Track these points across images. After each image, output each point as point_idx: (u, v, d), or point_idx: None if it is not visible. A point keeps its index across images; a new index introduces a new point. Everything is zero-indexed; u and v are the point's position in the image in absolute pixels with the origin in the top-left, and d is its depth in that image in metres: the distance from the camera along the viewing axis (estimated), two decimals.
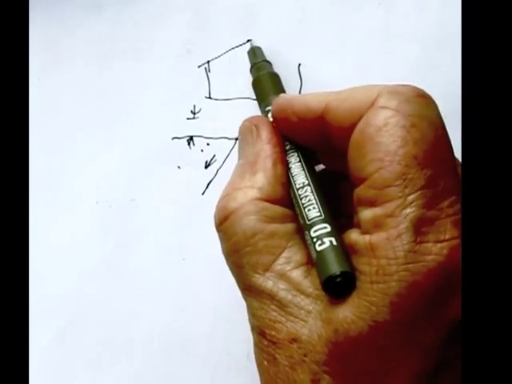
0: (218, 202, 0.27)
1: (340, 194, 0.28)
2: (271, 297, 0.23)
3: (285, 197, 0.26)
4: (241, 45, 0.39)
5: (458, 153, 0.24)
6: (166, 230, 0.38)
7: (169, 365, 0.36)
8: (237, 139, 0.38)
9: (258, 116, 0.29)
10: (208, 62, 0.40)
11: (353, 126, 0.23)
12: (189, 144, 0.39)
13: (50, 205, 0.39)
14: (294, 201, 0.25)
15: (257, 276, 0.24)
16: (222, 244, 0.26)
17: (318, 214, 0.24)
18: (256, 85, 0.33)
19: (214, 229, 0.37)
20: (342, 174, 0.26)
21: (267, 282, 0.24)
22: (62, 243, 0.38)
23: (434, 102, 0.24)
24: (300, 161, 0.26)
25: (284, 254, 0.24)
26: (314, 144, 0.27)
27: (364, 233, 0.22)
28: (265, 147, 0.26)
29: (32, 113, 0.40)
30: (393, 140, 0.22)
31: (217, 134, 0.38)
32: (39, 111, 0.40)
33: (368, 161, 0.22)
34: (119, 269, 0.37)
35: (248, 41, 0.39)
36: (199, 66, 0.40)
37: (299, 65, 0.38)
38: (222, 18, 0.40)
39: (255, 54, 0.36)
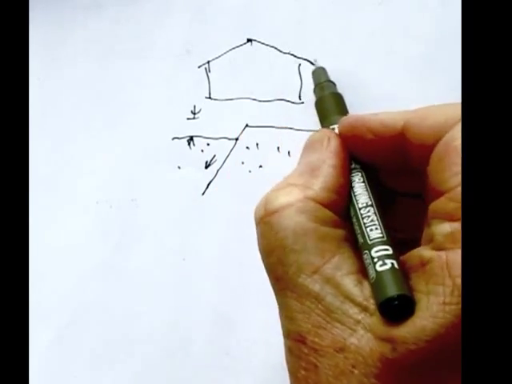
0: (268, 193, 0.25)
1: (394, 211, 0.28)
2: (317, 300, 0.22)
3: (339, 206, 0.25)
4: (241, 45, 0.39)
5: None
6: (166, 230, 0.38)
7: (169, 365, 0.36)
8: (237, 139, 0.38)
9: (330, 130, 0.29)
10: (208, 62, 0.40)
11: (436, 143, 0.23)
12: (189, 144, 0.39)
13: (49, 205, 0.39)
14: (355, 219, 0.25)
15: (303, 277, 0.23)
16: (262, 237, 0.25)
17: (380, 235, 0.23)
18: (319, 104, 0.33)
19: (214, 229, 0.37)
20: (398, 191, 0.26)
21: (314, 284, 0.23)
22: (62, 243, 0.38)
23: None
24: (364, 181, 0.26)
25: (334, 260, 0.23)
26: (383, 162, 0.27)
27: (437, 248, 0.22)
28: (332, 156, 0.26)
29: (32, 113, 0.40)
30: None
31: (217, 134, 0.38)
32: (39, 111, 0.41)
33: (451, 174, 0.22)
34: (119, 269, 0.37)
35: (249, 40, 0.39)
36: (199, 66, 0.40)
37: (299, 65, 0.38)
38: (222, 18, 0.40)
39: (319, 74, 0.36)
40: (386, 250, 0.23)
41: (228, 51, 0.39)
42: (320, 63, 0.37)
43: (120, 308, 0.37)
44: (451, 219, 0.22)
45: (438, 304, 0.20)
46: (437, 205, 0.22)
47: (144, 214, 0.38)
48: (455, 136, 0.23)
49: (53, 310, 0.37)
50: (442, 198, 0.22)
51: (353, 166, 0.27)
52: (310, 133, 0.36)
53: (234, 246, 0.36)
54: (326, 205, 0.25)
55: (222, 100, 0.39)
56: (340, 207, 0.25)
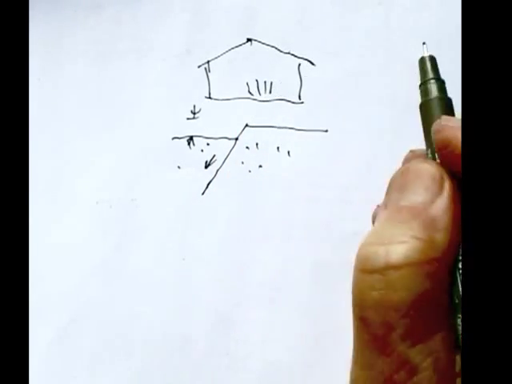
0: (389, 242, 0.22)
1: None
2: (413, 373, 0.21)
3: (452, 266, 0.23)
4: (241, 45, 0.39)
5: None
6: (165, 229, 0.38)
7: (169, 365, 0.36)
8: (237, 139, 0.38)
9: (439, 166, 0.24)
10: (208, 62, 0.40)
11: None
12: (189, 144, 0.39)
13: (49, 205, 0.39)
14: (457, 274, 0.22)
15: (407, 343, 0.21)
16: (372, 289, 0.22)
17: None
18: (424, 111, 0.28)
19: (214, 229, 0.37)
20: None
21: (417, 355, 0.21)
22: (62, 243, 0.38)
23: None
24: None
25: (442, 332, 0.21)
26: None
27: None
28: (451, 208, 0.23)
29: (32, 113, 0.40)
30: None
31: (217, 134, 0.38)
32: (39, 111, 0.41)
33: None
34: (119, 269, 0.37)
35: (248, 40, 0.39)
36: (199, 66, 0.40)
37: (299, 65, 0.38)
38: (222, 18, 0.40)
39: (427, 66, 0.29)
40: None
41: (228, 51, 0.39)
42: (428, 50, 0.29)
43: (120, 308, 0.37)
44: None
45: None
46: None
47: (144, 213, 0.38)
48: None
49: (53, 309, 0.37)
50: None
51: None
52: (312, 133, 0.36)
53: (233, 245, 0.36)
54: (449, 266, 0.22)
55: (222, 100, 0.39)
56: (452, 267, 0.23)
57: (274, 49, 0.39)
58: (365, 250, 0.22)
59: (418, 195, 0.23)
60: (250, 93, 0.39)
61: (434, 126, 0.24)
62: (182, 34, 0.40)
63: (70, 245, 0.38)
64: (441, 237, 0.22)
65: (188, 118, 0.39)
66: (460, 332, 0.21)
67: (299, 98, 0.38)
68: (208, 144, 0.38)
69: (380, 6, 0.38)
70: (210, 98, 0.39)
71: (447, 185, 0.23)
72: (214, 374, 0.35)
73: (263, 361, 0.34)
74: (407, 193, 0.24)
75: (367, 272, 0.22)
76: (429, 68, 0.29)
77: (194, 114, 0.39)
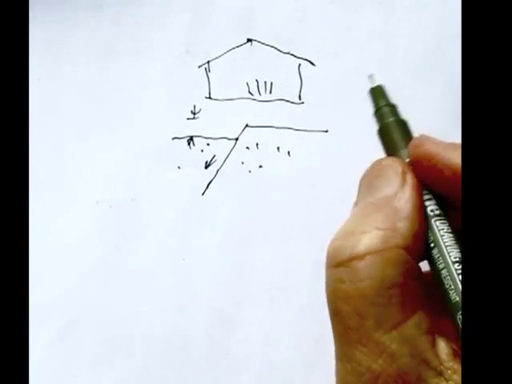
0: (350, 234, 0.23)
1: None
2: (392, 360, 0.21)
3: (421, 255, 0.23)
4: (241, 45, 0.39)
5: None
6: (166, 230, 0.38)
7: (169, 365, 0.36)
8: (237, 139, 0.38)
9: (403, 161, 0.25)
10: (208, 62, 0.40)
11: None
12: (189, 144, 0.39)
13: (49, 205, 0.39)
14: (445, 273, 0.23)
15: (381, 332, 0.21)
16: (340, 281, 0.22)
17: None
18: (384, 135, 0.29)
19: (214, 229, 0.37)
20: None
21: (392, 342, 0.21)
22: (62, 243, 0.38)
23: None
24: (452, 231, 0.24)
25: (414, 317, 0.21)
26: (454, 197, 0.24)
27: None
28: (414, 197, 0.24)
29: (32, 113, 0.40)
30: None
31: (217, 134, 0.38)
32: (39, 111, 0.41)
33: None
34: (119, 269, 0.37)
35: (249, 40, 0.39)
36: (199, 66, 0.40)
37: (299, 65, 0.38)
38: (221, 19, 0.40)
39: (378, 95, 0.31)
40: None
41: (228, 51, 0.39)
42: (377, 80, 0.31)
43: (120, 308, 0.37)
44: None
45: None
46: None
47: (144, 213, 0.38)
48: None
49: (53, 310, 0.37)
50: None
51: (438, 211, 0.24)
52: (312, 133, 0.36)
53: (233, 245, 0.36)
54: (414, 255, 0.23)
55: (222, 100, 0.39)
56: (421, 257, 0.23)
57: (273, 49, 0.39)
58: (331, 245, 0.23)
59: (382, 190, 0.24)
60: (250, 93, 0.39)
61: (413, 142, 0.25)
62: (182, 34, 0.40)
63: (69, 245, 0.38)
64: (403, 225, 0.23)
65: (188, 118, 0.39)
66: (459, 326, 0.21)
67: (299, 98, 0.38)
68: (208, 144, 0.38)
69: (380, 6, 0.38)
70: (210, 98, 0.39)
71: (409, 177, 0.24)
72: (213, 374, 0.35)
73: (263, 361, 0.34)
74: (373, 189, 0.25)
75: (334, 266, 0.23)
76: (380, 96, 0.30)
77: (194, 114, 0.39)
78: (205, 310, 0.36)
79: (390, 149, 0.27)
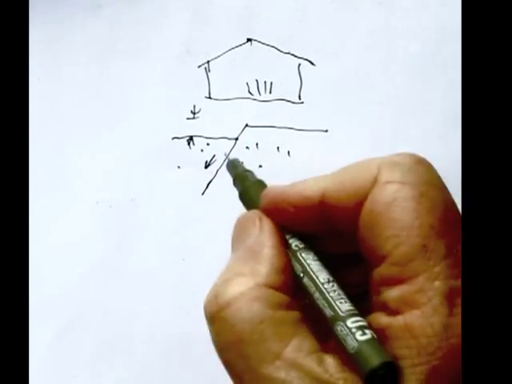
0: (215, 287, 0.25)
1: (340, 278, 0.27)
2: None
3: (288, 286, 0.25)
4: (241, 45, 0.39)
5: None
6: (166, 230, 0.38)
7: (169, 365, 0.36)
8: (237, 139, 0.38)
9: (256, 210, 0.28)
10: (208, 62, 0.40)
11: (358, 205, 0.23)
12: (189, 144, 0.39)
13: (49, 205, 0.39)
14: (318, 295, 0.25)
15: (265, 366, 0.22)
16: (218, 334, 0.24)
17: (351, 307, 0.23)
18: (245, 196, 0.33)
19: (214, 229, 0.37)
20: (328, 253, 0.26)
21: (279, 371, 0.22)
22: (62, 243, 0.38)
23: (431, 166, 0.24)
24: (317, 259, 0.26)
25: (294, 342, 0.23)
26: (313, 230, 0.26)
27: (393, 313, 0.22)
28: (269, 237, 0.26)
29: (32, 113, 0.40)
30: (406, 213, 0.22)
31: (217, 134, 0.38)
32: (39, 111, 0.40)
33: (384, 238, 0.22)
34: (119, 269, 0.37)
35: (249, 40, 0.39)
36: (199, 66, 0.40)
37: (299, 65, 0.38)
38: (221, 18, 0.40)
39: (235, 166, 0.34)
40: (361, 321, 0.23)
41: (228, 51, 0.39)
42: (233, 155, 0.36)
43: (120, 308, 0.37)
44: (398, 283, 0.22)
45: (408, 367, 0.21)
46: (380, 271, 0.23)
47: (144, 213, 0.38)
48: (377, 200, 0.23)
49: (53, 309, 0.37)
50: (384, 265, 0.22)
51: (302, 245, 0.27)
52: (312, 133, 0.36)
53: None
54: (278, 288, 0.24)
55: (222, 100, 0.39)
56: (289, 287, 0.25)
57: (273, 49, 0.39)
58: (204, 302, 0.25)
59: (244, 240, 0.26)
60: (250, 93, 0.39)
61: (262, 194, 0.28)
62: (182, 34, 0.40)
63: (69, 245, 0.38)
64: (262, 266, 0.25)
65: (188, 118, 0.39)
66: (340, 335, 0.23)
67: (299, 98, 0.38)
68: (208, 144, 0.38)
69: (380, 6, 0.38)
70: (210, 98, 0.39)
71: (265, 223, 0.26)
72: (213, 374, 0.35)
73: None
74: (238, 242, 0.27)
75: (210, 321, 0.24)
76: (236, 167, 0.33)
77: (194, 114, 0.39)
78: None
79: (251, 206, 0.30)
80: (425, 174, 0.23)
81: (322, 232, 0.27)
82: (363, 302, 0.24)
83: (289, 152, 0.37)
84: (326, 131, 0.37)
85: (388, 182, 0.23)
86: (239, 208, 0.37)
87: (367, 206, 0.23)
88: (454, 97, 0.35)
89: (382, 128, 0.37)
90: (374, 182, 0.23)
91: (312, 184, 0.26)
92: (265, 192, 0.28)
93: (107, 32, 0.41)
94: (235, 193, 0.37)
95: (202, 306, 0.25)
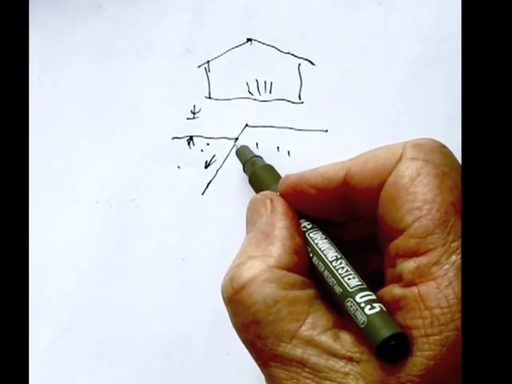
0: (230, 271, 0.26)
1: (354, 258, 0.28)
2: (302, 364, 0.23)
3: (302, 267, 0.26)
4: (241, 45, 0.39)
5: (457, 154, 0.24)
6: (166, 229, 0.38)
7: (169, 365, 0.36)
8: (237, 139, 0.38)
9: (270, 192, 0.29)
10: (208, 61, 0.40)
11: (380, 186, 0.24)
12: (189, 144, 0.39)
13: (49, 205, 0.39)
14: (327, 273, 0.25)
15: (283, 345, 0.23)
16: (235, 315, 0.25)
17: (360, 282, 0.24)
18: (254, 179, 0.34)
19: (214, 229, 0.37)
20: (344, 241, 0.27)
21: (296, 349, 0.23)
22: (62, 243, 0.38)
23: (452, 152, 0.25)
24: (326, 237, 0.27)
25: (309, 320, 0.23)
26: (330, 215, 0.27)
27: (408, 285, 0.22)
28: (281, 218, 0.27)
29: (32, 113, 0.40)
30: (429, 189, 0.23)
31: (217, 134, 0.38)
32: (39, 111, 0.40)
33: (406, 211, 0.23)
34: (119, 269, 0.37)
35: (249, 40, 0.39)
36: (199, 66, 0.40)
37: (299, 65, 0.38)
38: (222, 18, 0.40)
39: (244, 152, 0.36)
40: (370, 295, 0.23)
41: (228, 51, 0.39)
42: (241, 142, 0.37)
43: (120, 308, 0.37)
44: (415, 255, 0.22)
45: (421, 337, 0.21)
46: (397, 244, 0.23)
47: (144, 213, 0.38)
48: (402, 173, 0.24)
49: (53, 309, 0.37)
50: (402, 237, 0.23)
51: (310, 225, 0.27)
52: (312, 133, 0.36)
53: (233, 245, 0.36)
54: (290, 268, 0.25)
55: (222, 100, 0.39)
56: (303, 267, 0.26)
57: (274, 49, 0.39)
58: (221, 286, 0.26)
59: (256, 222, 0.28)
60: (250, 93, 0.39)
61: (282, 178, 0.28)
62: (182, 34, 0.40)
63: (69, 245, 0.38)
64: (274, 248, 0.25)
65: (188, 118, 0.39)
66: (350, 311, 0.23)
67: (299, 98, 0.38)
68: (208, 144, 0.38)
69: (380, 6, 0.38)
70: (210, 97, 0.39)
71: (278, 204, 0.27)
72: (213, 374, 0.35)
73: None
74: (250, 224, 0.28)
75: (227, 303, 0.26)
76: (246, 153, 0.36)
77: (194, 114, 0.39)
78: (205, 310, 0.36)
79: (261, 189, 0.31)
80: (447, 156, 0.24)
81: (339, 217, 0.27)
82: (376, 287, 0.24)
83: (289, 152, 0.37)
84: (326, 131, 0.37)
85: (413, 159, 0.24)
86: (239, 208, 0.37)
87: (391, 179, 0.24)
88: (454, 97, 0.35)
89: (382, 128, 0.37)
90: (399, 159, 0.24)
91: (334, 166, 0.26)
92: (284, 176, 0.28)
93: (107, 32, 0.41)
94: (235, 193, 0.38)
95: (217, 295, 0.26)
